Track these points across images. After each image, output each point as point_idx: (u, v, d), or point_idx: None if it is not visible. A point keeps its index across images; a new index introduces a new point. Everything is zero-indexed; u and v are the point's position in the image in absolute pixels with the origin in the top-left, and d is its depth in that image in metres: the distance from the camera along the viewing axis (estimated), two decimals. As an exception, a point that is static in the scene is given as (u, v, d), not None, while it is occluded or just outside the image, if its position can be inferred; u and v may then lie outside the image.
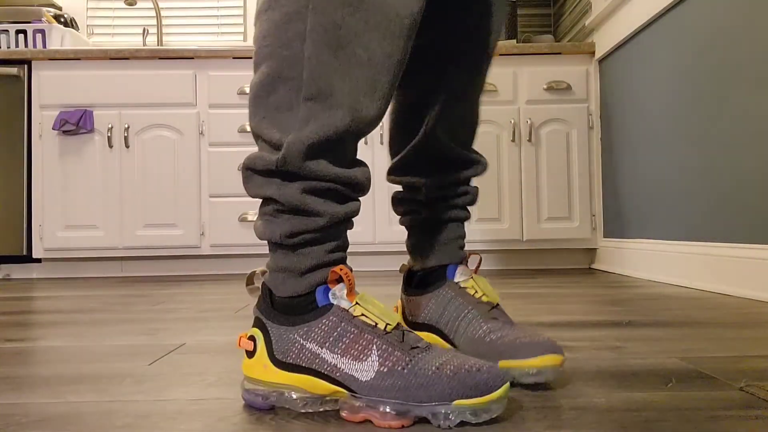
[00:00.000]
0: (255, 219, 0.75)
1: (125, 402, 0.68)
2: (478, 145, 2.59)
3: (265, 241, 0.71)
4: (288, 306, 0.66)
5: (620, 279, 2.09)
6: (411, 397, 0.58)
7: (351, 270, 0.66)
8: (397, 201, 0.90)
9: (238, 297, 1.70)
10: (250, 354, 0.66)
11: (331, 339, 0.62)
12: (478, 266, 0.87)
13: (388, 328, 0.62)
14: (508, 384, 0.59)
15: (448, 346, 0.80)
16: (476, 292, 0.81)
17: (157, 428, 0.59)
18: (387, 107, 0.67)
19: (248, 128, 2.56)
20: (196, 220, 2.56)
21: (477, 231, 2.57)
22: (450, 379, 0.58)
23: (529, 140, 2.58)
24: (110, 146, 2.57)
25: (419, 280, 0.87)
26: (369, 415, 0.60)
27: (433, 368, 0.59)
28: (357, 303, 0.64)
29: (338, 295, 0.64)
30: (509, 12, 2.78)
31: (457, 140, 0.86)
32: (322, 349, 0.62)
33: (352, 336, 0.62)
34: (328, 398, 0.63)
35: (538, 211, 2.59)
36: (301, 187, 0.64)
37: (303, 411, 0.63)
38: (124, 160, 2.58)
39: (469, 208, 0.85)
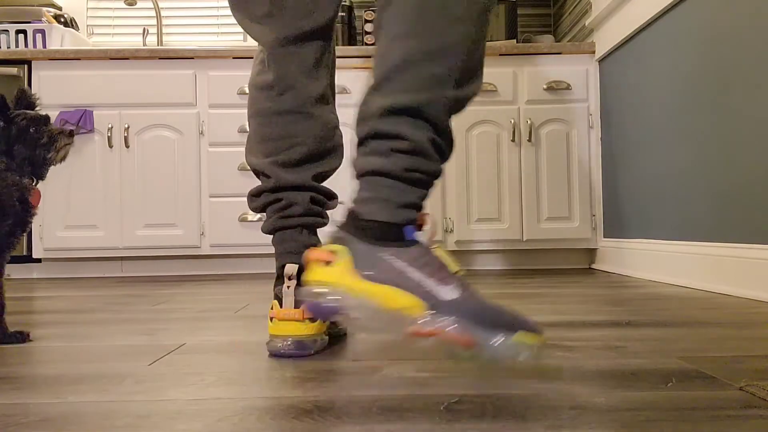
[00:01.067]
0: (354, 156, 0.83)
1: (125, 402, 0.68)
2: (479, 145, 2.59)
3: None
4: (377, 231, 0.76)
5: (620, 279, 2.09)
6: (484, 320, 0.70)
7: None
8: None
9: (238, 297, 1.70)
10: (326, 264, 0.72)
11: (419, 262, 0.73)
12: None
13: (458, 272, 0.75)
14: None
15: None
16: None
17: (157, 428, 0.59)
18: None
19: (248, 128, 2.55)
20: (196, 220, 2.56)
21: (477, 231, 2.57)
22: (514, 316, 0.72)
23: (529, 140, 2.58)
24: (110, 146, 2.57)
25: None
26: (440, 330, 0.69)
27: (498, 305, 0.72)
28: (436, 247, 0.77)
29: (422, 237, 0.76)
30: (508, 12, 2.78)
31: None
32: (410, 267, 0.72)
33: (437, 265, 0.73)
34: (393, 314, 0.71)
35: (538, 211, 2.59)
36: (430, 136, 0.76)
37: (365, 325, 0.72)
38: (124, 160, 2.58)
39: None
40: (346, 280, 0.70)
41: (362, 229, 0.75)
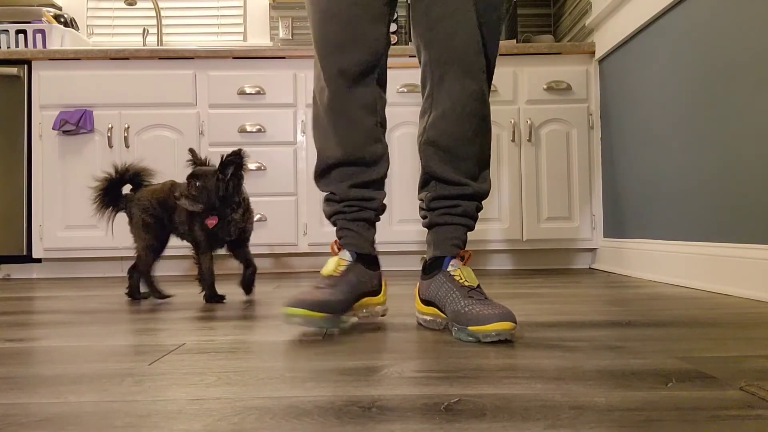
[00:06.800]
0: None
1: (125, 402, 0.68)
2: (478, 145, 2.58)
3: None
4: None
5: (620, 279, 2.09)
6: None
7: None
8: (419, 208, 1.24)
9: (239, 297, 1.70)
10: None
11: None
12: (468, 259, 1.15)
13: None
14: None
15: (444, 315, 1.10)
16: (461, 278, 1.09)
17: (157, 428, 0.59)
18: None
19: (248, 128, 2.56)
20: (196, 220, 2.56)
21: (477, 231, 2.57)
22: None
23: (529, 140, 2.58)
24: (110, 146, 2.56)
25: (426, 268, 1.17)
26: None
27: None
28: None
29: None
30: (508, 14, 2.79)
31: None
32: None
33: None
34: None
35: (538, 211, 2.59)
36: None
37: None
38: (124, 160, 2.57)
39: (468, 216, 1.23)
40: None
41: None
